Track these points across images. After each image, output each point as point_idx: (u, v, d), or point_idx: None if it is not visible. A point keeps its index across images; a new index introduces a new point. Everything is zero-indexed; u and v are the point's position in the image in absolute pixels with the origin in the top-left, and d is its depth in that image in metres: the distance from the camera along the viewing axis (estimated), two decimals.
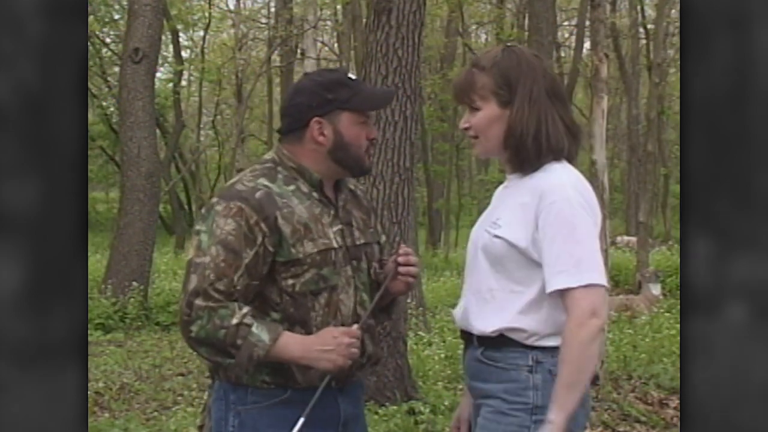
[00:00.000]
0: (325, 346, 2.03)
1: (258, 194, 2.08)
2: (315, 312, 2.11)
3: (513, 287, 2.06)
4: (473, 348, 2.14)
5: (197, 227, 2.11)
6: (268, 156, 2.24)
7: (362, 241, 2.21)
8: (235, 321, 2.00)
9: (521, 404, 2.02)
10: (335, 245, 2.13)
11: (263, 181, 2.12)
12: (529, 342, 2.04)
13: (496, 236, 2.06)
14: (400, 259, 2.18)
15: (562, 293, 2.00)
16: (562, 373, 1.99)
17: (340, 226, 2.17)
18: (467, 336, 2.16)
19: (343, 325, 2.12)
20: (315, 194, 2.16)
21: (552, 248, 2.00)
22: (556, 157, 2.09)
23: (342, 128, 2.15)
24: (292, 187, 2.14)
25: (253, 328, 2.01)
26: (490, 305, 2.08)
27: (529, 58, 2.12)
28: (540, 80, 2.10)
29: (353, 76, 2.22)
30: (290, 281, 2.09)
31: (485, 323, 2.08)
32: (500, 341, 2.06)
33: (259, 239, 2.05)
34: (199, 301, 2.01)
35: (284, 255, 2.08)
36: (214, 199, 2.13)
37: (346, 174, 2.22)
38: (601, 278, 2.02)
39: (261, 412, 2.11)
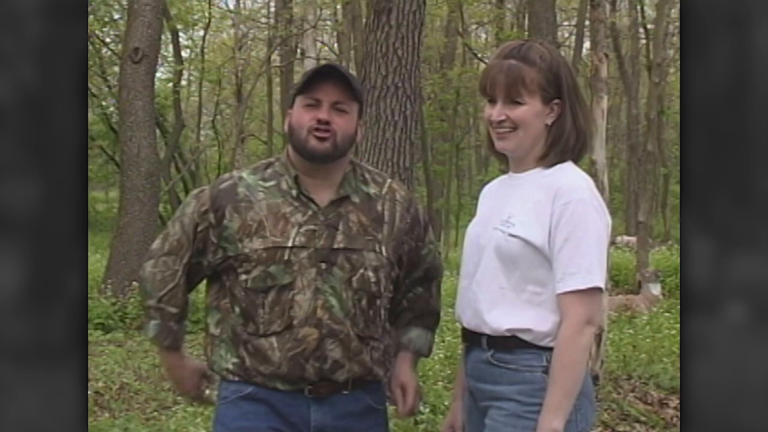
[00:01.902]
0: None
1: (224, 184, 2.22)
2: (263, 309, 2.12)
3: (525, 287, 2.05)
4: (480, 350, 2.11)
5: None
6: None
7: (343, 245, 2.15)
8: (148, 303, 2.24)
9: (537, 405, 2.01)
10: (290, 244, 2.11)
11: (244, 172, 2.25)
12: (543, 343, 2.03)
13: (511, 235, 2.04)
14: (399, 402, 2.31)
15: (563, 294, 2.00)
16: (561, 379, 1.98)
17: (313, 227, 2.14)
18: (473, 337, 2.14)
19: (290, 325, 2.11)
20: (293, 191, 2.17)
21: (565, 249, 2.00)
22: (576, 155, 2.13)
23: (293, 113, 2.20)
24: (272, 183, 2.20)
25: (152, 323, 2.24)
26: (502, 305, 2.06)
27: (563, 57, 2.16)
28: (575, 77, 2.14)
29: (329, 66, 2.21)
30: (243, 276, 2.15)
31: (499, 322, 2.06)
32: (512, 343, 2.05)
33: (204, 225, 2.19)
34: (148, 265, 2.24)
35: (232, 249, 2.16)
36: None
37: (306, 161, 2.19)
38: (603, 283, 2.03)
39: (228, 406, 2.18)
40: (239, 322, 2.16)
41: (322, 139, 2.14)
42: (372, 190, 2.25)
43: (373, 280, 2.18)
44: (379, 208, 2.23)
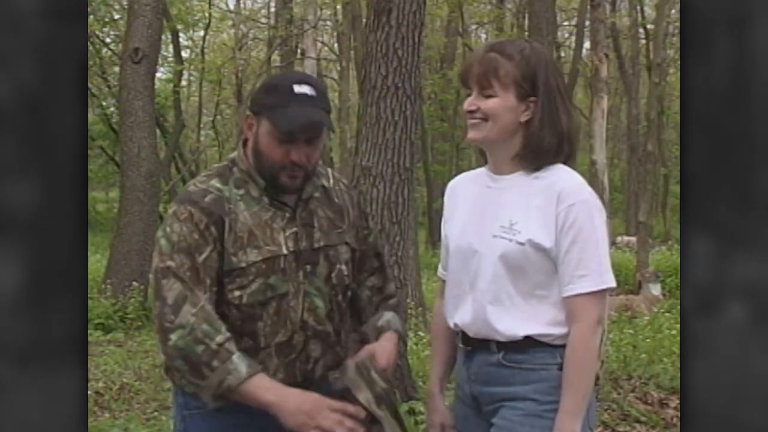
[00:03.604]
0: (304, 410, 1.91)
1: (208, 198, 2.03)
2: (263, 322, 2.05)
3: (532, 291, 2.04)
4: (487, 353, 2.09)
5: (159, 233, 2.06)
6: (232, 154, 2.17)
7: (322, 243, 2.12)
8: (218, 340, 1.93)
9: (554, 404, 2.01)
10: (284, 251, 2.05)
11: (215, 182, 2.07)
12: (556, 342, 2.03)
13: (519, 242, 2.02)
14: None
15: (575, 296, 2.00)
16: (578, 382, 1.99)
17: (295, 229, 2.09)
18: (479, 342, 2.11)
19: (291, 334, 2.05)
20: (265, 198, 2.07)
21: (573, 252, 1.99)
22: (566, 158, 2.11)
23: (259, 134, 2.04)
24: (241, 191, 2.07)
25: (234, 357, 1.93)
26: (513, 313, 2.04)
27: (549, 56, 2.13)
28: (559, 79, 2.12)
29: (303, 90, 2.01)
30: (237, 293, 2.03)
31: (513, 331, 2.04)
32: (525, 343, 2.04)
33: (211, 241, 2.00)
34: (186, 308, 1.94)
35: (226, 264, 2.01)
36: (172, 203, 2.09)
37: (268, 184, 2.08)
38: (613, 281, 2.05)
39: (204, 418, 2.07)
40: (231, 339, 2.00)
41: (294, 177, 2.05)
42: (324, 182, 2.21)
43: (345, 273, 2.17)
44: (336, 198, 2.21)
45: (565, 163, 2.11)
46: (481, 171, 2.21)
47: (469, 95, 2.10)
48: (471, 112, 2.08)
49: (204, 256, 1.99)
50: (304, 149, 2.03)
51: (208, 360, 1.92)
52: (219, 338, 1.94)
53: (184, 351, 1.93)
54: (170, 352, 1.94)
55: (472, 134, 2.11)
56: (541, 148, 2.06)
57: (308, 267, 2.09)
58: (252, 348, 2.04)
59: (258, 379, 1.94)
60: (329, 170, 2.28)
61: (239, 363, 1.93)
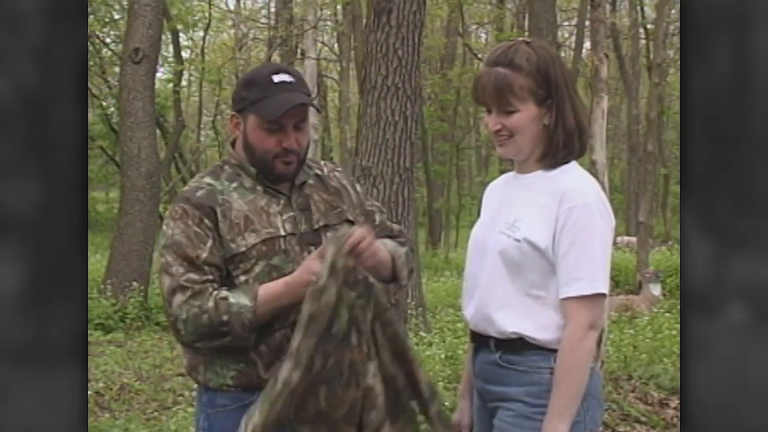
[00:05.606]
0: (306, 281, 1.99)
1: (199, 193, 2.12)
2: None
3: (529, 290, 2.04)
4: (488, 352, 2.11)
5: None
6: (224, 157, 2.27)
7: (322, 223, 2.18)
8: (211, 303, 2.00)
9: (544, 407, 2.00)
10: (283, 233, 2.11)
11: (207, 179, 2.16)
12: (550, 345, 2.03)
13: (517, 239, 2.03)
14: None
15: (568, 299, 2.00)
16: (565, 384, 1.98)
17: (292, 213, 2.15)
18: (481, 339, 2.14)
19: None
20: (259, 187, 2.16)
21: (570, 254, 1.99)
22: (578, 154, 2.11)
23: (248, 129, 2.14)
24: (235, 184, 2.15)
25: (231, 299, 2.01)
26: (508, 308, 2.05)
27: (555, 52, 2.13)
28: (566, 73, 2.11)
29: (282, 78, 2.11)
30: (242, 278, 2.08)
31: (505, 325, 2.05)
32: (520, 344, 2.05)
33: (209, 233, 2.08)
34: (177, 298, 2.02)
35: (226, 251, 2.08)
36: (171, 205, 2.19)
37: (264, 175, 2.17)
38: (607, 289, 2.03)
39: (228, 414, 2.10)
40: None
41: (289, 163, 2.14)
42: (318, 171, 2.29)
43: None
44: (332, 182, 2.29)
45: (577, 158, 2.12)
46: (513, 172, 2.23)
47: (489, 112, 2.10)
48: (497, 131, 2.09)
49: (208, 246, 2.06)
50: (294, 135, 2.12)
51: (219, 320, 2.00)
52: (211, 301, 2.01)
53: (196, 332, 2.02)
54: (187, 341, 2.05)
55: (501, 151, 2.13)
56: (557, 147, 2.08)
57: (312, 248, 2.13)
58: (266, 332, 2.08)
59: (263, 295, 2.02)
60: (322, 162, 2.38)
61: (239, 298, 2.01)
